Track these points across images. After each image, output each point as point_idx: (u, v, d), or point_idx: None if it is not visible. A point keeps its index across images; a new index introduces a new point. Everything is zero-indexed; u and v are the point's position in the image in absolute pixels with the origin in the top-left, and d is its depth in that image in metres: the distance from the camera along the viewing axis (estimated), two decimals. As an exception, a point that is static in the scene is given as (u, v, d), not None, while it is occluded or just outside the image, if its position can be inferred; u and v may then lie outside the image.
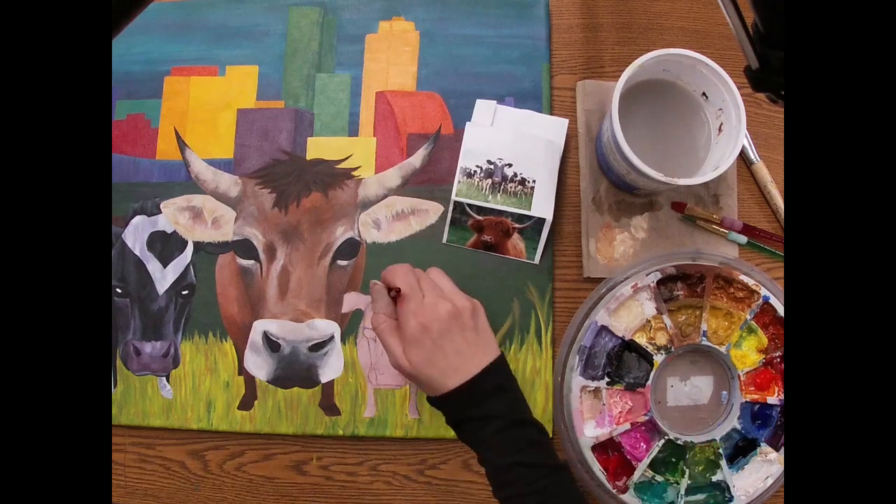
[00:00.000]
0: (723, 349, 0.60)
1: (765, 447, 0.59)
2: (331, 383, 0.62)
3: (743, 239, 0.63)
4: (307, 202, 0.64)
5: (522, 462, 0.46)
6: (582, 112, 0.65)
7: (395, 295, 0.51)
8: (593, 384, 0.59)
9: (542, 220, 0.62)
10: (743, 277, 0.60)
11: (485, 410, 0.47)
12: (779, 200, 0.64)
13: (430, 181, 0.65)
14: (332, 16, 0.68)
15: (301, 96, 0.67)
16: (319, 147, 0.66)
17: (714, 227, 0.63)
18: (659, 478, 0.59)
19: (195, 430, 0.63)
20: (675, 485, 0.59)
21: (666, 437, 0.58)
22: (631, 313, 0.60)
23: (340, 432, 0.62)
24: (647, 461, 0.58)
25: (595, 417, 0.59)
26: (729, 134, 0.56)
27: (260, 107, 0.67)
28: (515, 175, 0.63)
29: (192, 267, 0.64)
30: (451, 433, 0.61)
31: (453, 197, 0.63)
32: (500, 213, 0.63)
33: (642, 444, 0.60)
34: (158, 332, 0.64)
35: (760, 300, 0.59)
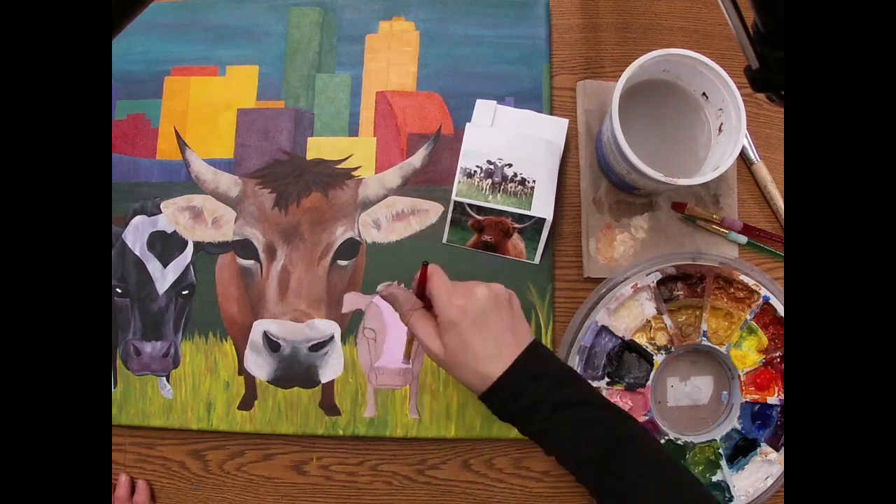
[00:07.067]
0: (723, 349, 0.60)
1: (765, 447, 0.59)
2: (331, 383, 0.62)
3: (743, 239, 0.63)
4: (307, 202, 0.64)
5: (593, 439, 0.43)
6: (582, 112, 0.65)
7: (418, 291, 0.48)
8: (593, 384, 0.59)
9: (542, 220, 0.62)
10: (743, 277, 0.60)
11: (528, 400, 0.44)
12: (779, 200, 0.64)
13: (430, 181, 0.65)
14: (332, 16, 0.68)
15: (301, 96, 0.67)
16: (319, 147, 0.66)
17: (714, 227, 0.63)
18: (659, 478, 0.59)
19: (195, 430, 0.63)
20: (675, 485, 0.59)
21: (666, 437, 0.58)
22: (631, 313, 0.60)
23: (340, 432, 0.62)
24: (647, 461, 0.58)
25: (595, 417, 0.59)
26: (729, 134, 0.56)
27: (260, 107, 0.67)
28: (515, 175, 0.63)
29: (192, 267, 0.64)
30: (451, 433, 0.61)
31: (453, 197, 0.63)
32: (500, 213, 0.63)
33: (642, 444, 0.60)
34: (158, 332, 0.64)
35: (760, 300, 0.59)
